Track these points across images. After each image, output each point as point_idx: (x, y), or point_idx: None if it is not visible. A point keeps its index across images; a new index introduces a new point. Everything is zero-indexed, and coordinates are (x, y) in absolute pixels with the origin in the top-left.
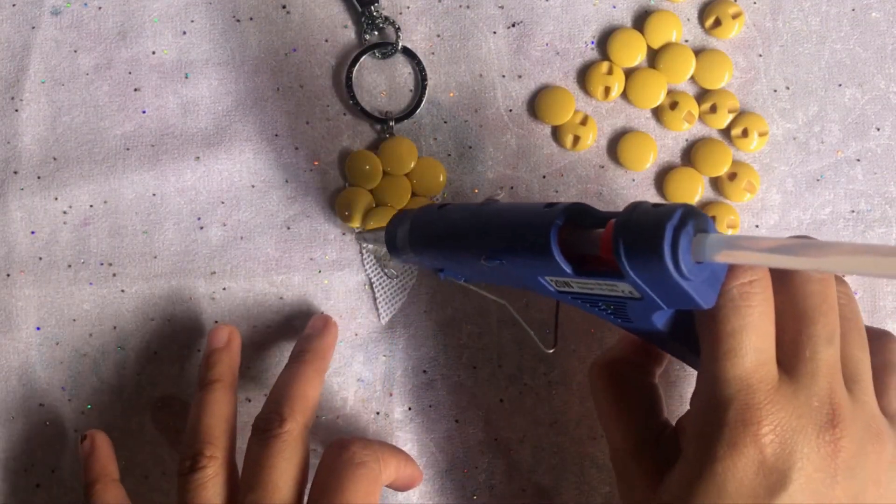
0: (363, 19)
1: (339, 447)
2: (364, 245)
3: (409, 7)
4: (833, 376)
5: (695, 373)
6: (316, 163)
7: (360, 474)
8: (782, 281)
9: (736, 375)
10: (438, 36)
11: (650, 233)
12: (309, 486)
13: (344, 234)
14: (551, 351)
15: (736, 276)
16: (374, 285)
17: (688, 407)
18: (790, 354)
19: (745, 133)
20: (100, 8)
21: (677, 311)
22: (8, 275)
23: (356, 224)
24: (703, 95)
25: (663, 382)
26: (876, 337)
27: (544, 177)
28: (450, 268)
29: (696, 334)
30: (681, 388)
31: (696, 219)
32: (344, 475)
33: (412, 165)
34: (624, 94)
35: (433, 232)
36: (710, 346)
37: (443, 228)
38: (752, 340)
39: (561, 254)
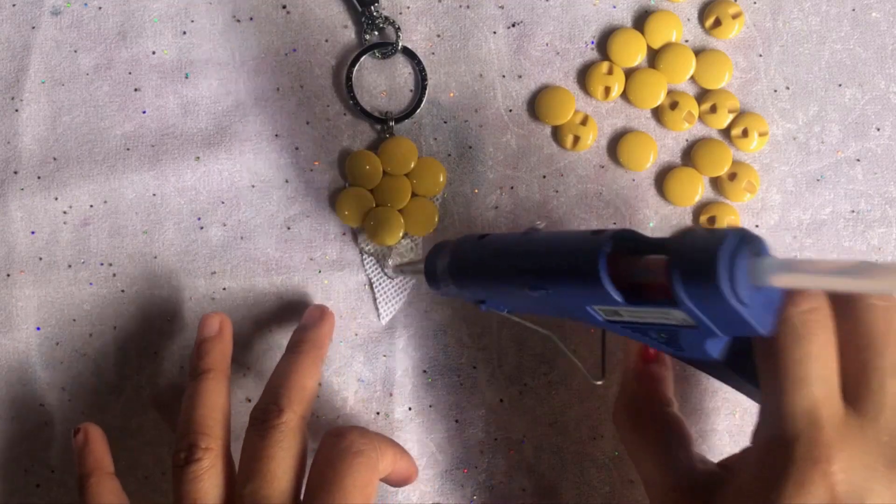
0: (363, 19)
1: (336, 436)
2: (363, 247)
3: (409, 7)
4: None
5: (696, 374)
6: (316, 163)
7: (357, 463)
8: (844, 310)
9: (803, 408)
10: (438, 36)
11: (706, 259)
12: (306, 476)
13: (344, 234)
14: (600, 383)
15: (796, 304)
16: (373, 285)
17: (695, 408)
18: (856, 387)
19: (745, 133)
20: (100, 8)
21: (733, 338)
22: (8, 275)
23: (356, 224)
24: (703, 95)
25: None
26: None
27: (544, 177)
28: (492, 299)
29: (753, 364)
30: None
31: (751, 242)
32: (341, 464)
33: (412, 165)
34: (624, 94)
35: (474, 262)
36: (773, 378)
37: (485, 258)
38: (818, 370)
39: (611, 282)
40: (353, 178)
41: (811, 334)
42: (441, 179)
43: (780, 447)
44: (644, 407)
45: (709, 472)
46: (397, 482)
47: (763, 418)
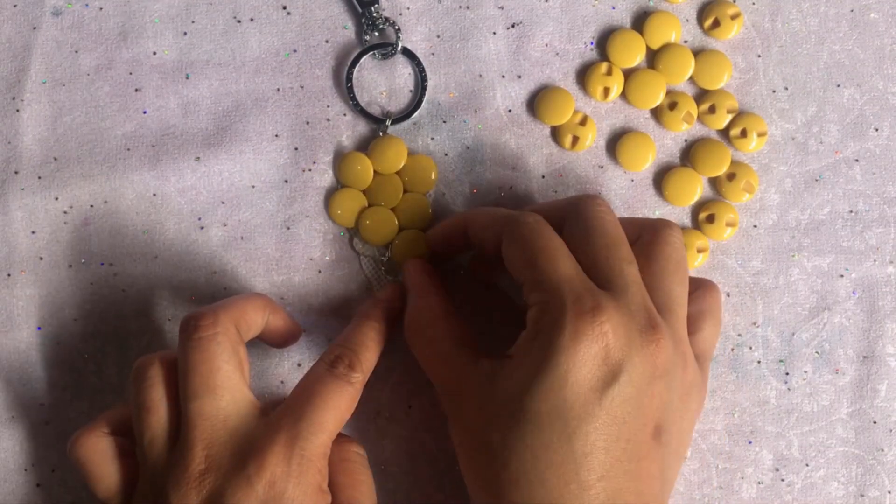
0: (363, 20)
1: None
2: (359, 249)
3: (409, 8)
4: (642, 290)
5: None
6: (316, 163)
7: (345, 390)
8: (571, 222)
9: (563, 276)
10: (438, 36)
11: None
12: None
13: (343, 234)
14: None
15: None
16: (373, 286)
17: None
18: (600, 275)
19: (743, 133)
20: (101, 8)
21: None
22: (9, 275)
23: (350, 224)
24: (702, 96)
25: None
26: (698, 286)
27: (543, 177)
28: None
29: None
30: None
31: None
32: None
33: (402, 164)
34: (623, 95)
35: None
36: (529, 264)
37: None
38: (563, 252)
39: None
40: (345, 179)
41: (545, 229)
42: (432, 175)
43: (553, 308)
44: (433, 317)
45: (494, 359)
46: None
47: (530, 300)
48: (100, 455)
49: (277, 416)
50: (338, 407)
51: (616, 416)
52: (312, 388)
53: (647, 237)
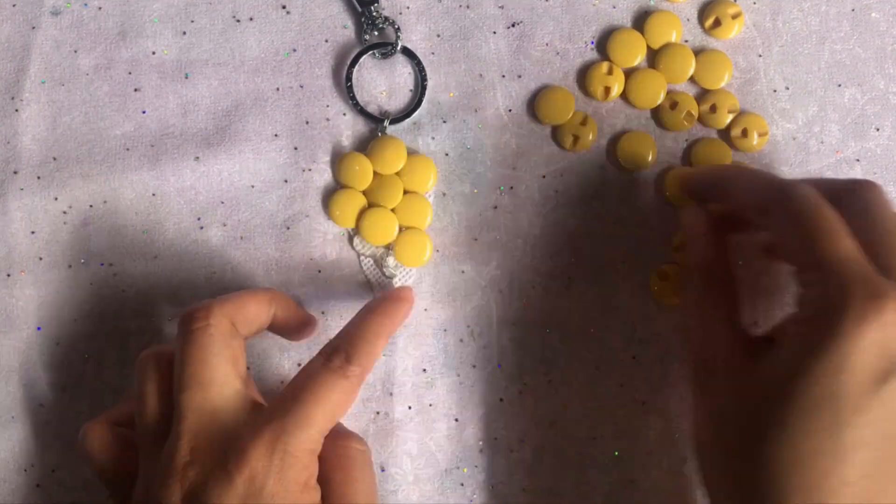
0: (363, 19)
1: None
2: (359, 250)
3: (409, 7)
4: None
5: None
6: (315, 163)
7: (338, 384)
8: (851, 203)
9: (851, 256)
10: (438, 36)
11: None
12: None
13: (343, 234)
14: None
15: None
16: (373, 286)
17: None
18: (885, 261)
19: (744, 133)
20: (100, 8)
21: None
22: (8, 275)
23: (349, 225)
24: (702, 96)
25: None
26: (850, 190)
27: (544, 177)
28: None
29: None
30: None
31: None
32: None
33: (402, 164)
34: (624, 95)
35: None
36: (810, 242)
37: None
38: (844, 230)
39: None
40: (344, 179)
41: (825, 207)
42: (432, 175)
43: (832, 291)
44: (716, 267)
45: (758, 342)
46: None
47: (808, 280)
48: (106, 446)
49: (266, 410)
50: (329, 401)
51: (891, 411)
52: (304, 382)
53: (854, 198)
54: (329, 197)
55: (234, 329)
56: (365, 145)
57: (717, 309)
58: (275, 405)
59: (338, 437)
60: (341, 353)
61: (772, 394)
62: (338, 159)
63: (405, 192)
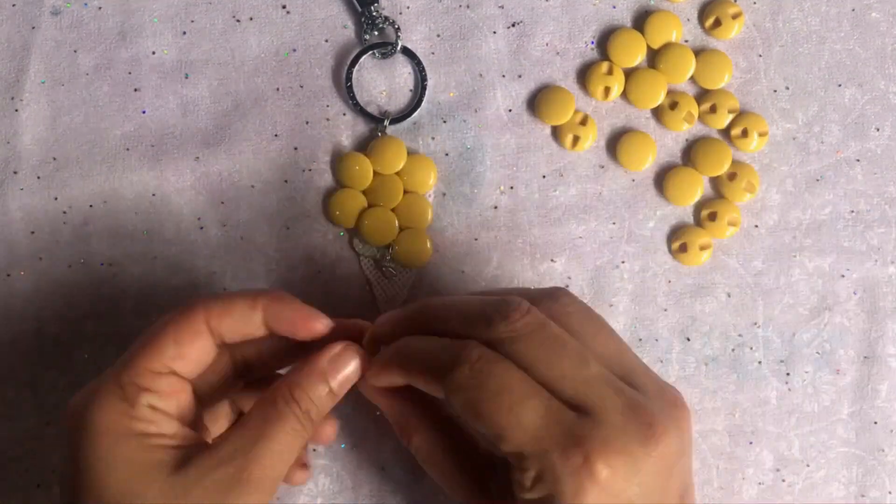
0: (363, 19)
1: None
2: (359, 250)
3: (409, 7)
4: (614, 385)
5: (696, 374)
6: (315, 163)
7: (166, 317)
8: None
9: (534, 431)
10: (438, 36)
11: None
12: None
13: (343, 234)
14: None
15: (463, 358)
16: (372, 285)
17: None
18: (567, 396)
19: (744, 133)
20: (100, 8)
21: None
22: (8, 275)
23: (349, 225)
24: (702, 95)
25: None
26: (547, 296)
27: (544, 177)
28: None
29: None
30: None
31: None
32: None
33: (401, 164)
34: (624, 94)
35: None
36: (489, 429)
37: None
38: (518, 394)
39: None
40: (344, 179)
41: (488, 377)
42: (432, 175)
43: (539, 472)
44: (426, 446)
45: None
46: (286, 332)
47: (507, 457)
48: None
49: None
50: (146, 338)
51: None
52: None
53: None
54: (329, 197)
55: (199, 318)
56: (365, 145)
57: (446, 459)
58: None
59: (286, 384)
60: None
61: None
62: (338, 159)
63: (405, 192)
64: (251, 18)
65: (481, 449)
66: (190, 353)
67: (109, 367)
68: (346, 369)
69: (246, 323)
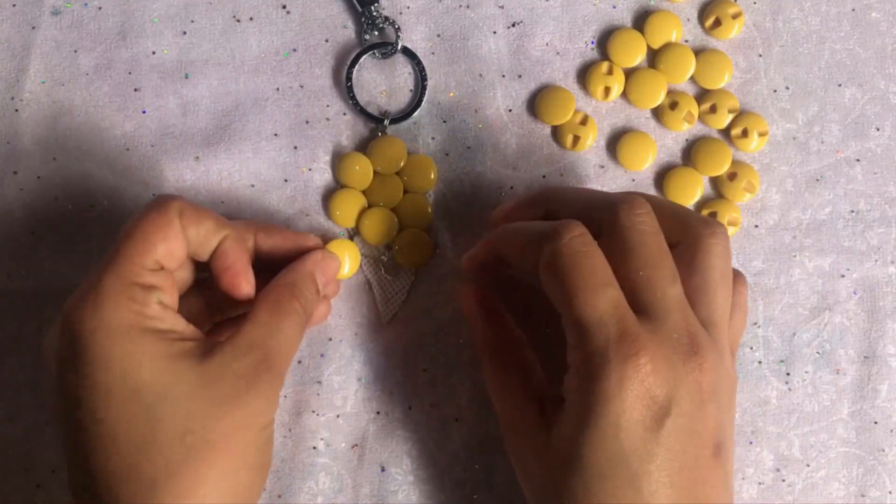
0: (363, 19)
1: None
2: (359, 249)
3: (409, 7)
4: (685, 311)
5: None
6: (315, 162)
7: (145, 213)
8: (611, 238)
9: (602, 315)
10: (438, 36)
11: None
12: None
13: (342, 234)
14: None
15: (560, 235)
16: (373, 285)
17: None
18: (642, 297)
19: (744, 133)
20: (100, 8)
21: None
22: (9, 275)
23: (349, 225)
24: (702, 95)
25: None
26: (699, 220)
27: (544, 177)
28: None
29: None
30: None
31: None
32: (134, 216)
33: (402, 164)
34: (624, 94)
35: None
36: (567, 299)
37: None
38: (598, 283)
39: None
40: (344, 179)
41: (583, 255)
42: (432, 176)
43: (591, 355)
44: (501, 345)
45: (552, 401)
46: (274, 256)
47: (570, 339)
48: None
49: None
50: (134, 230)
51: (675, 449)
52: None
53: (689, 244)
54: (329, 197)
55: (174, 218)
56: (365, 145)
57: (509, 380)
58: None
59: (285, 285)
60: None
61: (569, 459)
62: (338, 159)
63: (405, 192)
64: (251, 18)
65: (539, 381)
66: (175, 248)
67: (97, 268)
68: (329, 270)
69: (207, 238)
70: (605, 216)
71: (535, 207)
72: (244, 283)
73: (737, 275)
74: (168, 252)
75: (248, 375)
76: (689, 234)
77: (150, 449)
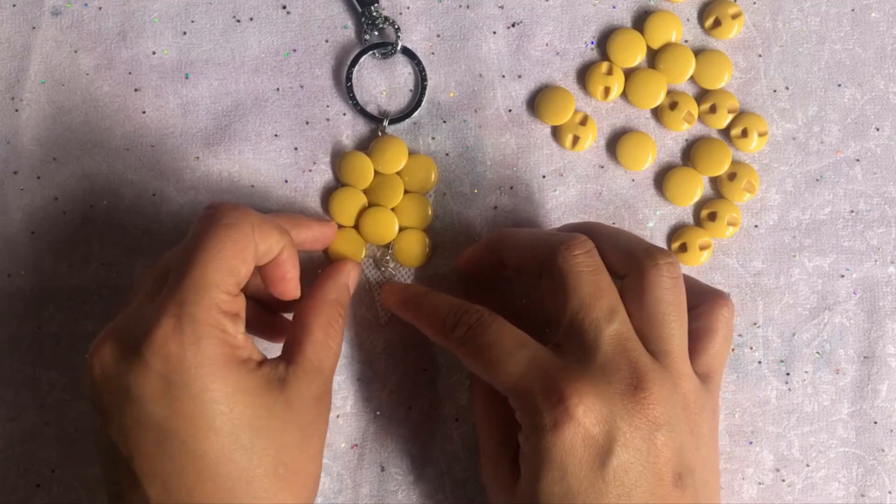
0: (363, 19)
1: (207, 208)
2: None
3: (409, 7)
4: (625, 346)
5: None
6: (315, 163)
7: (223, 234)
8: (547, 276)
9: (521, 372)
10: (438, 36)
11: None
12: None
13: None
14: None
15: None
16: (372, 286)
17: None
18: (576, 339)
19: (744, 133)
20: (100, 8)
21: None
22: (9, 275)
23: (349, 223)
24: (702, 95)
25: None
26: (709, 299)
27: (544, 177)
28: None
29: None
30: None
31: None
32: (204, 230)
33: (402, 164)
34: (624, 94)
35: None
36: (482, 373)
37: None
38: (517, 342)
39: None
40: (345, 178)
41: (484, 331)
42: (432, 176)
43: (527, 411)
44: (482, 395)
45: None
46: (309, 249)
47: (512, 403)
48: None
49: (166, 284)
50: (218, 255)
51: (625, 483)
52: (191, 244)
53: (634, 277)
54: (329, 195)
55: (251, 237)
56: (365, 145)
57: (494, 419)
58: (172, 275)
59: (331, 303)
60: (212, 206)
61: None
62: (339, 158)
63: (405, 192)
64: (251, 18)
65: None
66: (251, 269)
67: (176, 293)
68: (355, 281)
69: (271, 250)
70: (545, 258)
71: (490, 253)
72: (295, 290)
73: (718, 296)
74: (247, 274)
75: (319, 402)
76: (633, 268)
77: (248, 482)
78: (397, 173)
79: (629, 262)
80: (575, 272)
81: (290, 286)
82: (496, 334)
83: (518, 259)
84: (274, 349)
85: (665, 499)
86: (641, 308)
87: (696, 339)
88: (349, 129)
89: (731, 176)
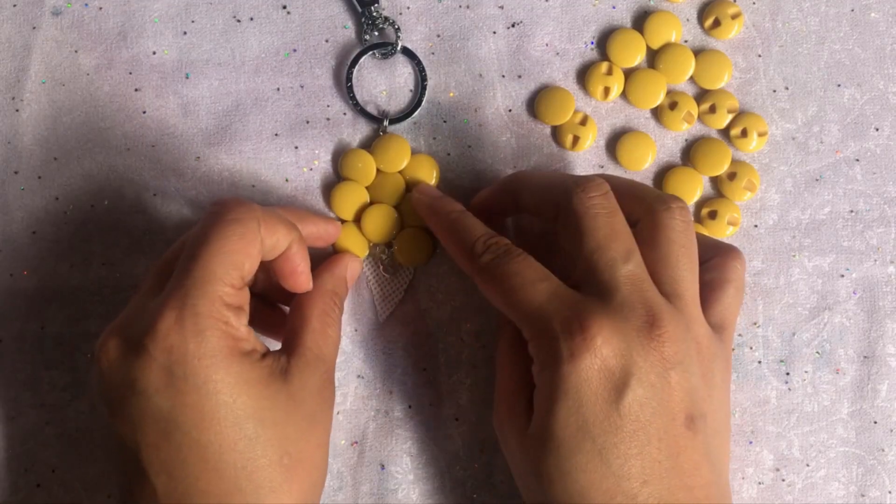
0: (363, 19)
1: (214, 204)
2: None
3: (409, 7)
4: (640, 286)
5: None
6: (316, 162)
7: (228, 229)
8: (564, 218)
9: (545, 302)
10: (438, 36)
11: None
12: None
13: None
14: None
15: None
16: (370, 283)
17: None
18: (593, 277)
19: (744, 133)
20: (100, 8)
21: None
22: (10, 274)
23: (349, 218)
24: (702, 95)
25: None
26: (721, 253)
27: None
28: None
29: None
30: None
31: None
32: (209, 224)
33: (405, 163)
34: (623, 95)
35: None
36: (501, 301)
37: None
38: (537, 275)
39: None
40: (348, 175)
41: (511, 258)
42: (434, 175)
43: (545, 342)
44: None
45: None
46: (314, 245)
47: (526, 334)
48: None
49: (172, 277)
50: (222, 249)
51: (639, 419)
52: (197, 237)
53: (647, 221)
54: (330, 191)
55: (256, 232)
56: (366, 145)
57: (514, 357)
58: (177, 269)
59: (328, 293)
60: (220, 201)
61: (542, 441)
62: (342, 155)
63: (407, 191)
64: (251, 18)
65: None
66: (256, 263)
67: (180, 287)
68: (355, 274)
69: (278, 245)
70: (560, 200)
71: (506, 194)
72: (307, 282)
73: (729, 250)
74: (252, 268)
75: (322, 391)
76: (646, 212)
77: (252, 472)
78: (399, 172)
79: (642, 207)
80: (591, 214)
81: (301, 279)
82: (521, 265)
83: (534, 201)
84: (278, 346)
85: (677, 439)
86: (654, 250)
87: (710, 290)
88: (349, 128)
89: (732, 175)
